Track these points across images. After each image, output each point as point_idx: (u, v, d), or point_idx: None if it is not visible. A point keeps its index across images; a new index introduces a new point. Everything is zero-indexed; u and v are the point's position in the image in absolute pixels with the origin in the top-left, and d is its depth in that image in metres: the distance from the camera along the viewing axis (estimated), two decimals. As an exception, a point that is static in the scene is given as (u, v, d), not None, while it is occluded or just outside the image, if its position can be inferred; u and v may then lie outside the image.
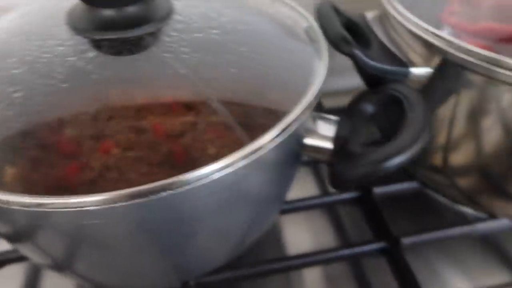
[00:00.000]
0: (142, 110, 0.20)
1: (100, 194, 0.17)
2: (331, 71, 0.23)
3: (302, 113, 0.20)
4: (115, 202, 0.17)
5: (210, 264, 0.26)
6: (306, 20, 0.27)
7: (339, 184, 0.22)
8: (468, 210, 0.34)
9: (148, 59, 0.21)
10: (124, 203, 0.17)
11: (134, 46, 0.21)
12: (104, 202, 0.17)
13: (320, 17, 0.27)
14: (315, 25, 0.26)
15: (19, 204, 0.17)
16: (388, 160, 0.20)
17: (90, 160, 0.19)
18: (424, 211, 0.34)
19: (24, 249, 0.24)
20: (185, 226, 0.21)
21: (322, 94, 0.22)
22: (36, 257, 0.24)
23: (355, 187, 0.33)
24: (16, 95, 0.20)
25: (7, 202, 0.17)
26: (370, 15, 0.31)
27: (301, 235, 0.32)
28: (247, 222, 0.25)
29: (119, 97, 0.21)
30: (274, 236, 0.32)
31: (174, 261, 0.24)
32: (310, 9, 0.28)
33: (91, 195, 0.17)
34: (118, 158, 0.19)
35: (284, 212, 0.31)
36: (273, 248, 0.31)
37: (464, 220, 0.32)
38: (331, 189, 0.35)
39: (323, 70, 0.22)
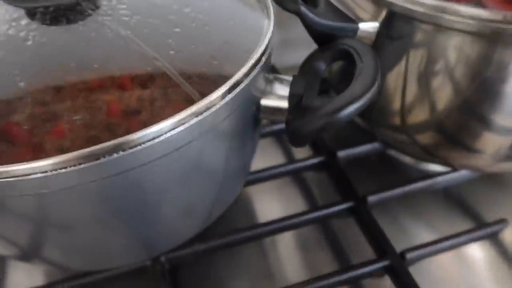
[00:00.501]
0: (90, 85, 0.20)
1: (49, 158, 0.16)
2: (287, 44, 0.23)
3: (251, 69, 0.20)
4: (66, 166, 0.16)
5: (178, 238, 0.25)
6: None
7: (297, 140, 0.22)
8: (429, 166, 0.35)
9: (87, 27, 0.20)
10: (75, 168, 0.16)
11: (70, 13, 0.20)
12: (54, 166, 0.16)
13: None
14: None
15: None
16: (341, 110, 0.21)
17: (43, 146, 0.18)
18: (387, 170, 0.35)
19: None
20: (145, 196, 0.21)
21: (282, 68, 0.22)
22: None
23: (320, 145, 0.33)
24: None
25: None
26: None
27: (270, 204, 0.32)
28: (211, 192, 0.25)
29: (63, 71, 0.20)
30: (243, 207, 0.31)
31: (139, 235, 0.23)
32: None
33: (39, 160, 0.16)
34: (72, 140, 0.19)
35: (251, 182, 0.31)
36: (243, 218, 0.31)
37: (426, 175, 0.33)
38: (296, 157, 0.36)
39: (270, 28, 0.22)
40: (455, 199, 0.33)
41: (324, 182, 0.33)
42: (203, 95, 0.18)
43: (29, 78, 0.20)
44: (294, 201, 0.32)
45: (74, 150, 0.16)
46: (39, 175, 0.16)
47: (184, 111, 0.18)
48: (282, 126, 0.34)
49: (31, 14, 0.20)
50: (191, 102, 0.18)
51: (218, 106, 0.19)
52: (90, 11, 0.20)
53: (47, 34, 0.20)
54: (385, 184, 0.32)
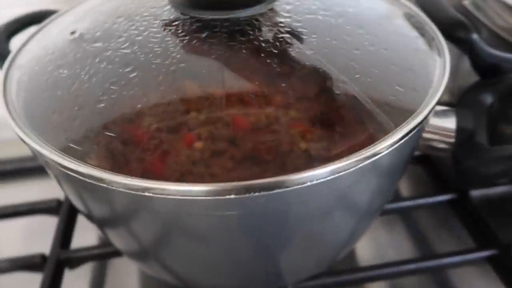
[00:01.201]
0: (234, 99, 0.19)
1: (207, 184, 0.16)
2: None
3: (428, 115, 0.18)
4: (221, 195, 0.16)
5: (310, 270, 0.24)
6: (407, 7, 0.25)
7: (469, 180, 0.20)
8: None
9: (261, 40, 0.19)
10: (230, 196, 0.16)
11: (247, 26, 0.19)
12: (209, 193, 0.16)
13: (424, 2, 0.25)
14: (421, 13, 0.24)
15: (124, 186, 0.16)
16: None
17: (175, 153, 0.18)
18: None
19: (114, 234, 0.23)
20: (289, 229, 0.19)
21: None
22: (123, 244, 0.23)
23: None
24: (131, 75, 0.19)
25: (110, 182, 0.16)
26: (466, 1, 0.29)
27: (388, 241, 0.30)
28: (350, 229, 0.23)
29: (215, 83, 0.19)
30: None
31: (273, 265, 0.22)
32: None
33: (199, 184, 0.16)
34: (202, 151, 0.18)
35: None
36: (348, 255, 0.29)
37: None
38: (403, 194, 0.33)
39: (447, 67, 0.20)
40: None
41: (449, 224, 0.30)
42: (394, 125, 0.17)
43: (174, 86, 0.19)
44: (404, 241, 0.30)
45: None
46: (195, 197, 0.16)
47: (361, 151, 0.16)
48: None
49: (206, 26, 0.19)
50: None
51: (395, 146, 0.17)
52: (269, 27, 0.19)
53: (218, 45, 0.19)
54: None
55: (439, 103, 0.19)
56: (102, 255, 0.28)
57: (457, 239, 0.31)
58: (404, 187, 0.35)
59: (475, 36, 0.22)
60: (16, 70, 0.23)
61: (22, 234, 0.33)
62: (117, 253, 0.28)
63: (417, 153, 0.29)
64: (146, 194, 0.16)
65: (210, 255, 0.21)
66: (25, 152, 0.21)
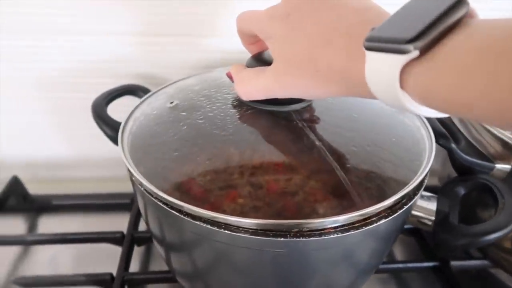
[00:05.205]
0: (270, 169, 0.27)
1: (253, 219, 0.23)
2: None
3: (418, 188, 0.27)
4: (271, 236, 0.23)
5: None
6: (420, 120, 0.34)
7: (442, 249, 0.28)
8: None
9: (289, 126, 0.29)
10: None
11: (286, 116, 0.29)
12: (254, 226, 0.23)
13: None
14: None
15: (197, 214, 0.24)
16: (487, 235, 0.26)
17: (222, 205, 0.26)
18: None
19: (178, 260, 0.30)
20: (296, 273, 0.26)
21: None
22: (184, 270, 0.30)
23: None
24: (198, 141, 0.28)
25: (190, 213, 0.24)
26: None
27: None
28: (349, 280, 0.30)
29: (257, 154, 0.28)
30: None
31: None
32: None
33: (248, 218, 0.23)
34: (242, 205, 0.25)
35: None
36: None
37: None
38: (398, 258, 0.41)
39: (432, 153, 0.29)
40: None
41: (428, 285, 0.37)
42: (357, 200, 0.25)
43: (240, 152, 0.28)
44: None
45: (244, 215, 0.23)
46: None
47: (361, 221, 0.24)
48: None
49: (260, 112, 0.29)
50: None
51: (390, 218, 0.25)
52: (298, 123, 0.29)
53: (265, 128, 0.29)
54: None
55: (426, 188, 0.28)
56: (157, 279, 0.36)
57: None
58: (399, 252, 0.42)
59: (453, 145, 0.31)
60: (131, 121, 0.33)
61: (92, 256, 0.40)
62: (166, 279, 0.35)
63: (409, 226, 0.37)
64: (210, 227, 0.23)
65: (239, 278, 0.28)
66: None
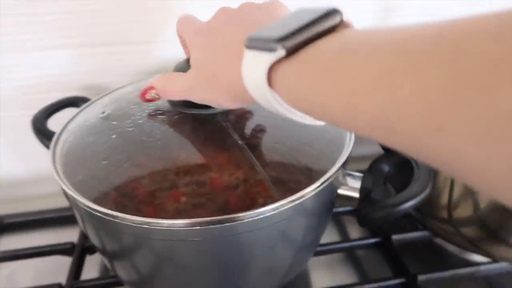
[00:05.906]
0: (205, 167, 0.28)
1: (184, 219, 0.25)
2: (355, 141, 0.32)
3: (338, 169, 0.28)
4: (195, 226, 0.25)
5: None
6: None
7: (366, 223, 0.29)
8: (472, 256, 0.40)
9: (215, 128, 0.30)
10: (200, 228, 0.25)
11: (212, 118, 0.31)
12: (186, 225, 0.25)
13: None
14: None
15: (130, 221, 0.25)
16: (402, 205, 0.28)
17: (165, 205, 0.27)
18: (434, 256, 0.40)
19: (119, 265, 0.31)
20: (241, 255, 0.28)
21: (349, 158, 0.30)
22: (127, 274, 0.32)
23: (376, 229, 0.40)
24: (126, 148, 0.30)
25: (122, 219, 0.25)
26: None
27: (328, 275, 0.39)
28: (289, 258, 0.32)
29: (188, 156, 0.29)
30: (303, 275, 0.38)
31: (230, 284, 0.30)
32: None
33: (178, 219, 0.25)
34: (185, 204, 0.27)
35: (316, 254, 0.38)
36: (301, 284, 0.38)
37: (469, 263, 0.38)
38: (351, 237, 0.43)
39: (352, 140, 0.31)
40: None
41: (377, 260, 0.39)
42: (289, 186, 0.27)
43: (156, 156, 0.29)
44: (347, 273, 0.39)
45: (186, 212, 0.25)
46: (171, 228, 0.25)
47: (286, 198, 0.26)
48: (340, 209, 0.43)
49: (187, 116, 0.30)
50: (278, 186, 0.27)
51: (311, 194, 0.27)
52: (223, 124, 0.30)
53: (190, 130, 0.30)
54: (431, 268, 0.37)
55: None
56: (104, 285, 0.37)
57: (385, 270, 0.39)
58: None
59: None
60: (64, 134, 0.34)
61: (48, 269, 0.41)
62: (115, 284, 0.36)
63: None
64: (144, 226, 0.25)
65: (184, 274, 0.29)
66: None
